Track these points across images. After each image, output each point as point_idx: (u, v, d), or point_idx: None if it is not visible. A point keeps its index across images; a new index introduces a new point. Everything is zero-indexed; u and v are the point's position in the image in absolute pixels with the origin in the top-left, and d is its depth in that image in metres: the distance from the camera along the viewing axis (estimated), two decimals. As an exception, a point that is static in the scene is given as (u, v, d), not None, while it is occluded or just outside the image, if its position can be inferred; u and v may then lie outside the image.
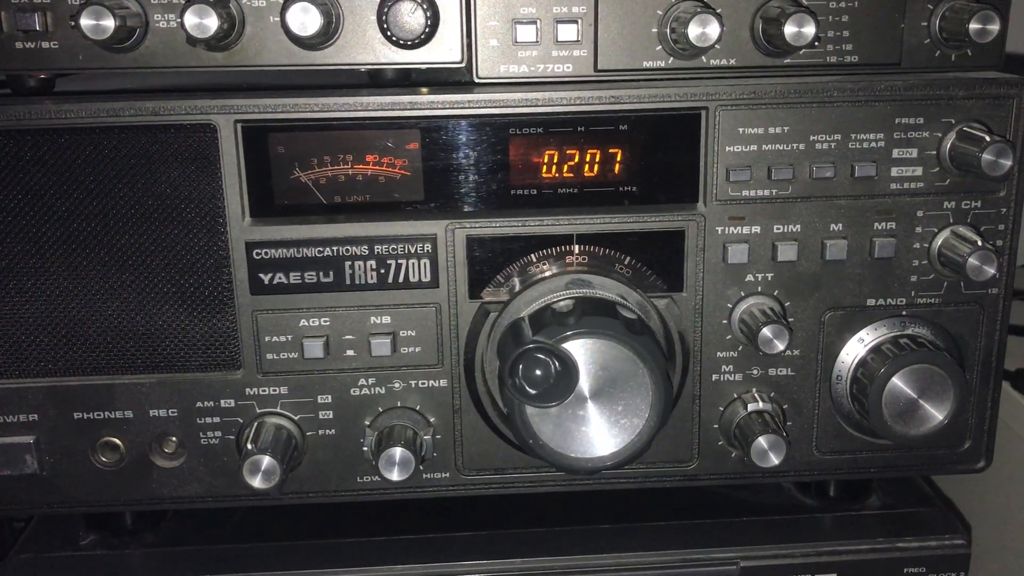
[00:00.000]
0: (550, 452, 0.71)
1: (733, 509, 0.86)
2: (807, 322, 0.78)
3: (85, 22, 0.67)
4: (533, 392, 0.68)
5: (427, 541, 0.82)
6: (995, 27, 0.73)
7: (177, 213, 0.73)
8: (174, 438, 0.78)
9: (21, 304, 0.74)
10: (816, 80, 0.74)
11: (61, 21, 0.71)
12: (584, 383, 0.70)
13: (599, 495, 0.86)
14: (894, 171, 0.75)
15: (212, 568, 0.80)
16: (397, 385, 0.77)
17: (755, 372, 0.79)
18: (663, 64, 0.75)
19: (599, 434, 0.71)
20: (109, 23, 0.68)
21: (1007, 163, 0.71)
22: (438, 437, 0.78)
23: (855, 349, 0.78)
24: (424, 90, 0.74)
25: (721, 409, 0.79)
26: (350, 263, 0.75)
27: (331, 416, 0.78)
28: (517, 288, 0.76)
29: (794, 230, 0.76)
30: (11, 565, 0.81)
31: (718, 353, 0.78)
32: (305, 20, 0.68)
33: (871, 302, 0.78)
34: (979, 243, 0.74)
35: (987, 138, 0.72)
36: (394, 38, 0.72)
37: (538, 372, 0.68)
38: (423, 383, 0.77)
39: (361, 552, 0.81)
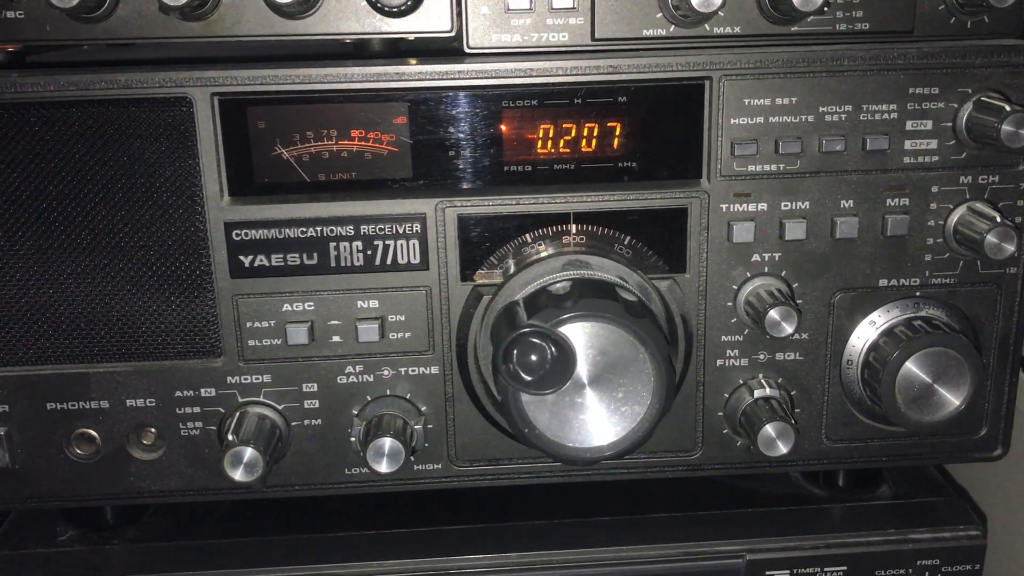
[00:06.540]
0: (547, 442, 0.69)
1: (738, 500, 0.85)
2: (816, 304, 0.76)
3: (51, -11, 0.65)
4: (528, 378, 0.66)
5: (419, 535, 0.81)
6: (1015, -9, 0.72)
7: (152, 192, 0.71)
8: (152, 429, 0.76)
9: (-12, 289, 0.72)
10: (825, 49, 0.73)
11: (27, -11, 0.69)
12: (582, 369, 0.68)
13: (598, 486, 0.84)
14: (907, 144, 0.74)
15: (195, 564, 0.78)
16: (386, 372, 0.76)
17: (762, 357, 0.77)
18: (664, 32, 0.73)
19: (598, 422, 0.69)
20: (76, -10, 0.65)
21: (1028, 134, 0.70)
22: (429, 427, 0.77)
23: (866, 332, 0.77)
24: (412, 60, 0.72)
25: (726, 396, 0.78)
26: (335, 244, 0.73)
27: (317, 405, 0.76)
28: (511, 270, 0.74)
29: (802, 207, 0.74)
30: (-14, 562, 0.79)
31: (723, 337, 0.77)
32: (284, -15, 0.66)
33: (883, 282, 0.76)
34: (997, 219, 0.73)
35: (1006, 108, 0.70)
36: (380, 5, 0.70)
37: (533, 357, 0.66)
38: (413, 370, 0.76)
39: (349, 547, 0.80)
